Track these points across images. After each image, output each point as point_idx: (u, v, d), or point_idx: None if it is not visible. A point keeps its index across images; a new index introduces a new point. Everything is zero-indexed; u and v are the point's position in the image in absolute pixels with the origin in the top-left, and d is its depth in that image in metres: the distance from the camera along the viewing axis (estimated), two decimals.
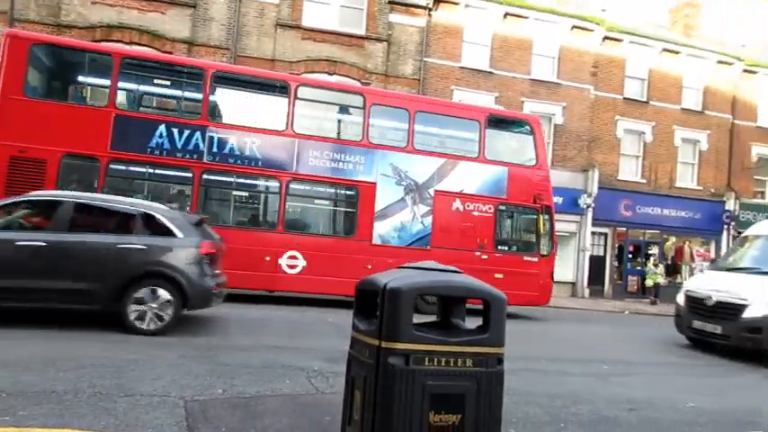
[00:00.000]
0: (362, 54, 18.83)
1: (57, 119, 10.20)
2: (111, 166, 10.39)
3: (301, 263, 11.13)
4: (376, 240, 11.64)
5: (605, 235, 21.62)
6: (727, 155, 23.19)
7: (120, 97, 10.80)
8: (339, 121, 12.79)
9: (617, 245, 21.77)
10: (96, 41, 15.29)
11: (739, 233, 22.60)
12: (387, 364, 2.34)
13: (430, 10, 19.52)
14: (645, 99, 22.08)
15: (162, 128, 10.63)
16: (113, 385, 4.56)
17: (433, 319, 2.83)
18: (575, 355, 8.37)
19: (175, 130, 10.69)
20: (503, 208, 12.52)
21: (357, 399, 2.54)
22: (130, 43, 15.93)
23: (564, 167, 20.68)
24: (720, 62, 22.99)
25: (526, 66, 20.49)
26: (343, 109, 12.59)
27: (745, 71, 23.54)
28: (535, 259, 12.51)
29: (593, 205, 20.42)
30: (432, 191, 12.00)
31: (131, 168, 10.79)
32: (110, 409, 3.99)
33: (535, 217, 12.56)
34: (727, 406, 5.78)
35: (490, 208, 12.27)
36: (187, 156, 10.72)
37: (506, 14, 20.15)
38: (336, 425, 2.96)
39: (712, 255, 22.62)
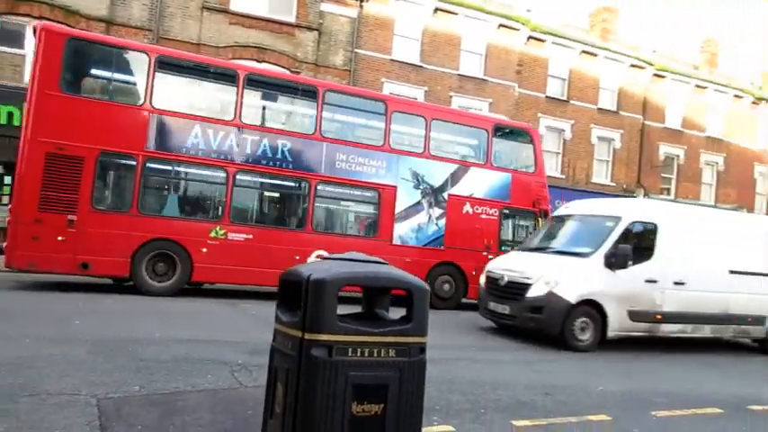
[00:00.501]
0: (293, 42, 18.54)
1: (94, 116, 10.04)
2: (148, 164, 10.39)
3: None
4: (396, 241, 12.19)
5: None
6: (637, 153, 24.74)
7: (157, 96, 10.61)
8: (363, 127, 13.00)
9: None
10: None
11: None
12: (310, 355, 2.32)
13: (362, 1, 19.48)
14: (565, 98, 23.12)
15: (197, 128, 10.69)
16: (14, 384, 4.25)
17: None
18: (500, 344, 8.65)
19: (210, 131, 10.78)
20: (507, 211, 13.37)
21: (279, 391, 2.50)
22: (40, 17, 14.84)
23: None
24: (634, 66, 24.43)
25: (455, 61, 20.91)
26: (366, 114, 12.76)
27: (656, 75, 25.15)
28: None
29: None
30: (446, 194, 12.65)
31: (168, 167, 10.81)
32: (9, 410, 3.72)
33: (534, 220, 13.62)
34: (632, 387, 6.19)
35: (496, 211, 13.09)
36: (222, 156, 10.84)
37: (437, 9, 20.46)
38: (259, 418, 2.91)
39: None
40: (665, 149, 25.46)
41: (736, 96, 27.46)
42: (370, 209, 12.41)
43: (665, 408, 5.43)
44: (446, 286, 12.60)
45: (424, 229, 12.48)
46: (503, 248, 12.93)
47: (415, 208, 12.39)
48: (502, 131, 13.83)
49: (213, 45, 17.31)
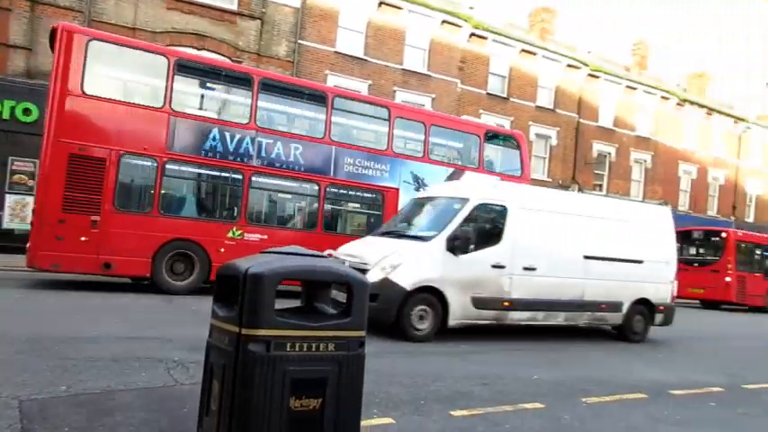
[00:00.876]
0: (234, 30, 18.09)
1: (115, 117, 10.13)
2: (168, 166, 10.54)
3: None
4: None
5: None
6: (573, 150, 25.70)
7: (176, 99, 10.83)
8: (368, 131, 13.55)
9: None
10: None
11: None
12: (247, 351, 2.28)
13: None
14: (505, 95, 23.69)
15: (215, 131, 10.96)
16: None
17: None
18: (438, 337, 8.79)
19: (227, 134, 11.05)
20: None
21: (215, 388, 2.45)
22: None
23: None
24: (570, 66, 25.31)
25: (399, 56, 21.01)
26: (371, 120, 13.22)
27: (590, 75, 26.16)
28: None
29: None
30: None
31: (188, 169, 10.98)
32: None
33: None
34: (564, 376, 6.44)
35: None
36: (238, 159, 11.13)
37: (381, 3, 20.47)
38: (195, 416, 2.84)
39: None
40: (598, 147, 26.56)
41: (663, 98, 28.97)
42: (374, 210, 12.86)
43: (595, 395, 5.69)
44: None
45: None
46: None
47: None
48: (492, 137, 14.71)
49: (149, 30, 16.65)
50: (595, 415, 4.99)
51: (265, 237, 11.32)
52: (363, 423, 4.10)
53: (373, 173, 12.54)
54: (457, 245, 7.93)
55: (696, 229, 23.21)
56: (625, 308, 9.67)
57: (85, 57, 9.86)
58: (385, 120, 12.81)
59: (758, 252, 21.90)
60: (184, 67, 11.07)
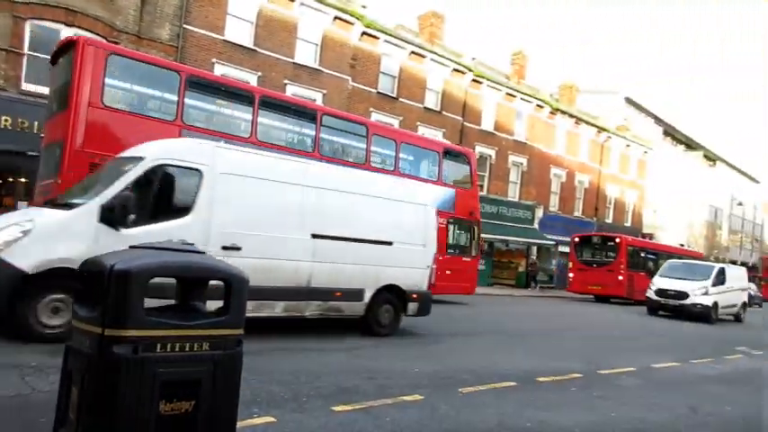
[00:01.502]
0: (110, 8, 16.75)
1: (132, 129, 10.30)
2: None
3: None
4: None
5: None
6: None
7: (187, 112, 11.43)
8: (351, 147, 14.45)
9: None
10: None
11: None
12: (111, 353, 2.11)
13: None
14: (395, 95, 24.16)
15: (221, 144, 10.57)
16: None
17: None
18: (325, 333, 8.78)
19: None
20: (452, 220, 16.07)
21: (74, 395, 2.25)
22: None
23: None
24: (456, 70, 26.38)
25: (290, 48, 20.66)
26: (353, 136, 14.30)
27: (474, 81, 27.43)
28: (469, 259, 16.71)
29: None
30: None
31: None
32: None
33: (470, 228, 16.71)
34: (443, 368, 6.72)
35: (444, 221, 15.31)
36: None
37: None
38: (51, 426, 2.59)
39: None
40: (480, 149, 27.92)
41: (538, 106, 31.12)
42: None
43: (470, 384, 5.99)
44: None
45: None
46: (448, 252, 15.67)
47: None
48: (448, 153, 16.56)
49: None
50: (470, 404, 5.25)
51: None
52: (243, 423, 4.00)
53: None
54: (116, 215, 6.26)
55: (595, 234, 27.58)
56: (367, 296, 8.52)
57: (105, 70, 10.28)
58: (363, 136, 14.21)
59: (644, 255, 26.80)
60: (194, 83, 11.68)
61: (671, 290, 19.02)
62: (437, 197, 14.79)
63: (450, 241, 16.22)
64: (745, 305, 21.66)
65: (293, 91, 20.43)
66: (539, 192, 31.41)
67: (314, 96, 21.10)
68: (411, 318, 9.31)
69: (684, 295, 18.59)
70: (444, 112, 26.12)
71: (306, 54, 21.20)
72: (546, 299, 24.47)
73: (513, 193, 30.14)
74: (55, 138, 10.58)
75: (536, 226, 30.59)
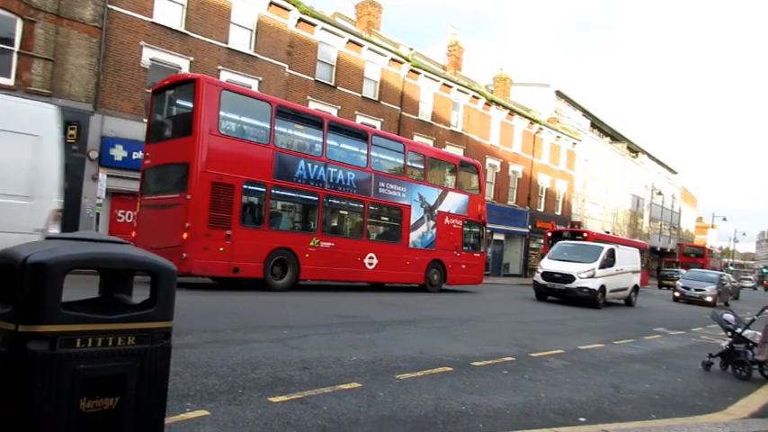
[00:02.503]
0: None
1: (238, 152, 12.63)
2: (274, 191, 13.50)
3: (375, 261, 15.74)
4: (410, 245, 17.04)
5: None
6: None
7: (278, 137, 13.66)
8: (390, 162, 17.12)
9: None
10: None
11: None
12: (25, 350, 1.98)
13: None
14: (333, 84, 23.98)
15: (302, 162, 13.97)
16: None
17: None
18: (257, 322, 8.65)
19: (309, 165, 14.07)
20: (466, 222, 19.11)
21: None
22: None
23: None
24: (393, 60, 26.46)
25: (224, 33, 20.07)
26: (393, 153, 17.10)
27: (412, 71, 27.62)
28: (479, 255, 19.92)
29: None
30: (436, 211, 17.87)
31: (285, 193, 13.95)
32: None
33: (479, 228, 19.82)
34: (380, 355, 6.78)
35: (460, 222, 18.83)
36: (315, 184, 14.27)
37: None
38: None
39: None
40: (418, 139, 28.20)
41: (474, 97, 31.75)
42: (396, 222, 16.80)
43: (408, 371, 6.08)
44: (435, 276, 17.81)
45: (425, 235, 17.49)
46: (464, 249, 18.94)
47: (420, 221, 17.30)
48: (462, 165, 19.84)
49: None
50: (407, 390, 5.32)
51: (333, 244, 14.32)
52: (175, 418, 3.89)
53: (396, 194, 16.47)
54: None
55: (566, 229, 32.50)
56: None
57: (219, 103, 12.35)
58: (401, 152, 17.05)
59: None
60: (281, 112, 13.88)
61: (557, 273, 17.87)
62: (456, 202, 18.76)
63: (465, 240, 19.09)
64: (637, 288, 20.64)
65: (228, 77, 19.90)
66: None
67: (249, 83, 20.62)
68: (347, 307, 9.33)
69: (570, 278, 17.47)
70: (382, 102, 26.18)
71: (240, 40, 20.66)
72: (488, 287, 25.12)
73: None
74: (174, 160, 12.51)
75: None
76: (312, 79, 23.16)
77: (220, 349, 6.34)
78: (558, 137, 40.12)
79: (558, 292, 17.81)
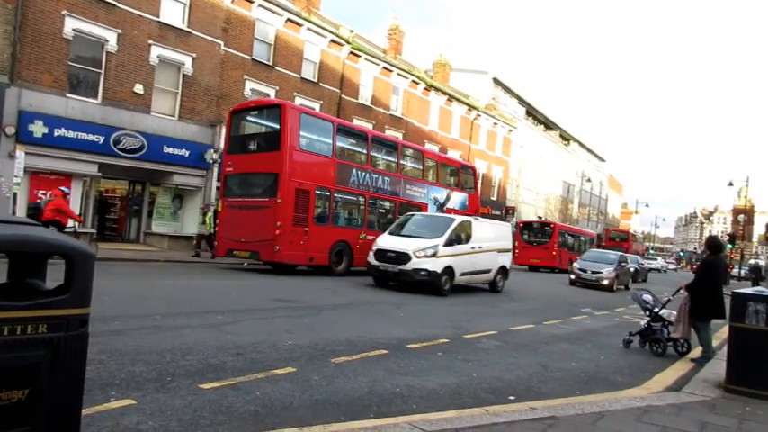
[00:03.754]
0: None
1: (312, 164, 15.71)
2: (335, 195, 16.39)
3: None
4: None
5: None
6: None
7: (338, 151, 16.67)
8: (413, 167, 20.34)
9: None
10: None
11: None
12: None
13: None
14: (271, 63, 23.38)
15: (354, 170, 16.96)
16: None
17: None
18: (191, 308, 8.40)
19: (359, 172, 17.10)
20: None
21: None
22: None
23: (192, 120, 20.34)
24: (334, 42, 26.09)
25: (155, 6, 19.10)
26: (414, 159, 20.56)
27: (352, 54, 27.34)
28: None
29: (219, 161, 20.73)
30: (445, 208, 20.64)
31: (342, 196, 16.85)
32: None
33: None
34: (317, 340, 6.74)
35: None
36: (362, 188, 17.27)
37: None
38: None
39: None
40: (357, 122, 28.02)
41: (413, 82, 31.85)
42: None
43: (343, 354, 6.08)
44: None
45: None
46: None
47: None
48: (463, 168, 23.61)
49: None
50: (342, 373, 5.32)
51: (374, 237, 15.54)
52: (98, 408, 3.71)
53: (417, 194, 19.60)
54: None
55: (535, 222, 37.33)
56: None
57: (299, 125, 15.12)
58: (420, 159, 20.62)
59: (567, 235, 36.22)
60: (340, 129, 16.98)
61: (391, 251, 13.68)
62: (458, 200, 21.85)
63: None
64: (505, 270, 16.50)
65: (159, 52, 19.02)
66: None
67: (183, 60, 19.80)
68: (289, 291, 9.19)
69: (405, 257, 13.35)
70: (322, 84, 25.81)
71: (173, 13, 19.74)
72: None
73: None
74: (262, 169, 15.35)
75: None
76: (249, 58, 22.48)
77: (149, 336, 6.11)
78: (495, 123, 40.99)
79: (392, 275, 13.66)
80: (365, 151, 17.81)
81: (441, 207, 20.55)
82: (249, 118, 16.92)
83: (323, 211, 16.05)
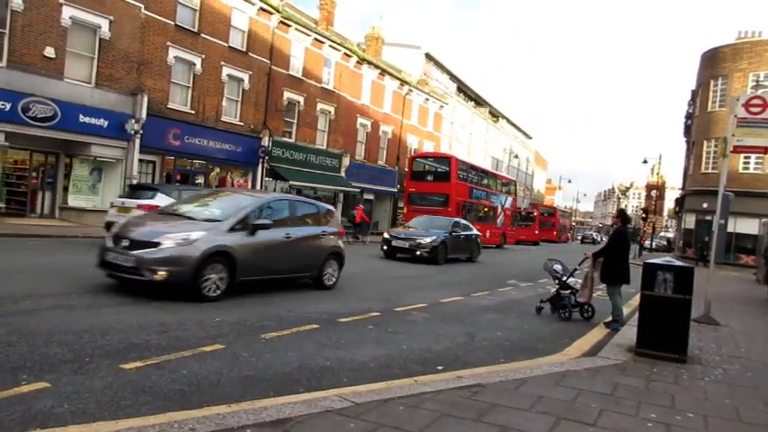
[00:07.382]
0: None
1: (461, 187, 28.37)
2: (467, 205, 28.68)
3: (488, 234, 30.11)
4: (498, 225, 33.42)
5: (153, 163, 21.35)
6: (264, 96, 25.99)
7: (468, 179, 30.08)
8: (493, 183, 34.39)
9: (165, 173, 21.82)
10: None
11: (271, 166, 26.01)
12: None
13: None
14: (196, 30, 22.32)
15: (474, 190, 30.58)
16: None
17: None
18: (106, 287, 8.01)
19: (476, 191, 30.66)
20: (511, 212, 36.71)
21: None
22: None
23: (111, 88, 19.17)
24: (263, 10, 25.19)
25: None
26: (494, 178, 35.16)
27: (282, 23, 26.55)
28: (513, 229, 38.43)
29: (141, 132, 19.74)
30: (502, 208, 34.22)
31: (470, 205, 29.36)
32: None
33: (512, 214, 37.31)
34: (246, 315, 6.62)
35: (509, 212, 35.92)
36: (477, 200, 30.96)
37: None
38: None
39: (249, 184, 25.37)
40: (288, 95, 27.44)
41: (345, 55, 31.39)
42: (493, 215, 32.97)
43: (273, 330, 6.02)
44: (502, 240, 34.18)
45: (500, 221, 33.95)
46: (512, 225, 38.12)
47: (499, 213, 33.83)
48: (510, 181, 39.44)
49: None
50: (272, 349, 5.27)
51: (479, 227, 24.89)
52: (7, 392, 3.49)
53: (494, 201, 32.98)
54: None
55: (522, 210, 46.64)
56: None
57: (458, 167, 28.39)
58: (495, 179, 35.28)
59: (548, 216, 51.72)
60: (470, 168, 31.16)
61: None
62: (507, 202, 35.36)
63: (512, 221, 37.18)
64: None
65: (71, 13, 17.71)
66: (346, 140, 32.17)
67: (99, 22, 18.53)
68: None
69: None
70: (251, 54, 24.96)
71: None
72: (358, 246, 25.53)
73: (321, 141, 30.42)
74: (437, 191, 27.43)
75: (342, 174, 31.46)
76: (172, 23, 21.31)
77: (65, 315, 5.80)
78: (427, 99, 41.28)
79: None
80: (475, 176, 31.08)
81: (502, 207, 33.91)
82: (427, 162, 29.89)
83: (464, 213, 27.01)
